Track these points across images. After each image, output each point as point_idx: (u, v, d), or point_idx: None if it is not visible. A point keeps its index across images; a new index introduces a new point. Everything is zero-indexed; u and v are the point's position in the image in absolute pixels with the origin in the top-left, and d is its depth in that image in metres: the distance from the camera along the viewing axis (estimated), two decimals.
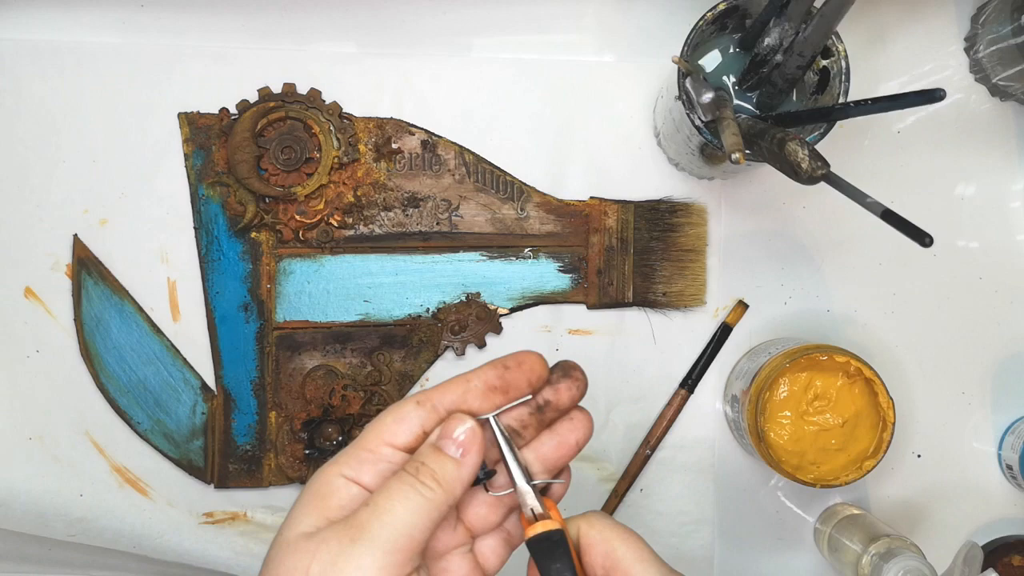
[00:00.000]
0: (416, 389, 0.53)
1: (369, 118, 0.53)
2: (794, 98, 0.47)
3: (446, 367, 0.53)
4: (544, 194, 0.53)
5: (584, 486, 0.53)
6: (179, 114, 0.52)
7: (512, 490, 0.32)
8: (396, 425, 0.31)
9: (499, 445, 0.32)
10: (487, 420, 0.32)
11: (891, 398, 0.47)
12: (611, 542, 0.32)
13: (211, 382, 0.52)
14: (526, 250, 0.53)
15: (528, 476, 0.32)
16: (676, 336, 0.54)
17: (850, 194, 0.38)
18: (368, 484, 0.30)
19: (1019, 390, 0.54)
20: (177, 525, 0.52)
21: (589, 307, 0.53)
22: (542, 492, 0.33)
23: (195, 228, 0.52)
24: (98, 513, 0.52)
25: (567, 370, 0.33)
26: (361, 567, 0.28)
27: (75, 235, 0.52)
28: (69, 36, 0.52)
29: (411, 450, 0.31)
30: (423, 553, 0.30)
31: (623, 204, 0.53)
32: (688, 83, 0.44)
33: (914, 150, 0.54)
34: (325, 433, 0.52)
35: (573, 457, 0.34)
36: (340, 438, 0.52)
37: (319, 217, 0.52)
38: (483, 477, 0.32)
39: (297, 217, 0.52)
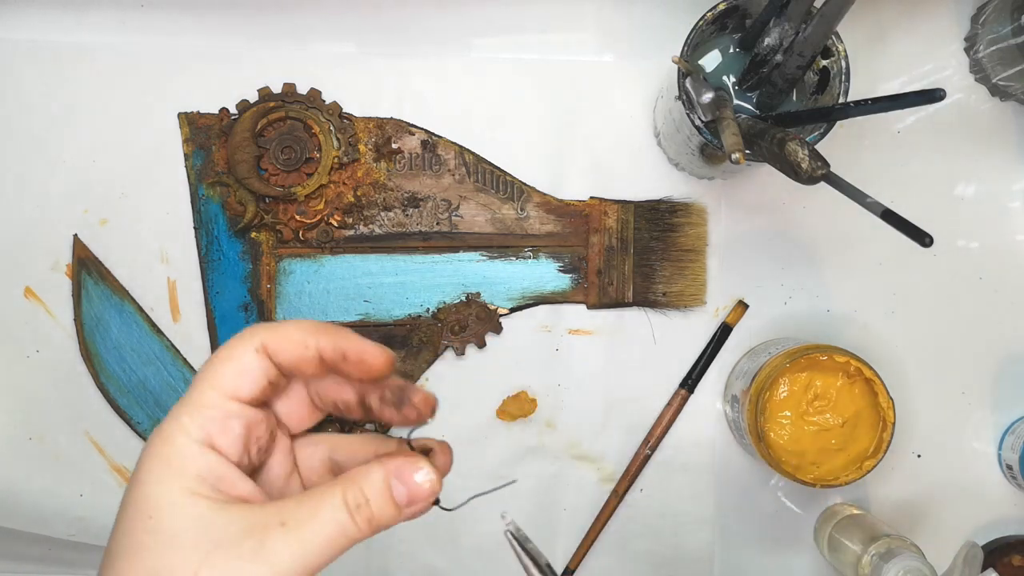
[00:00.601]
0: None
1: (369, 118, 0.53)
2: (794, 98, 0.47)
3: (446, 367, 0.53)
4: (544, 194, 0.53)
5: (584, 486, 0.53)
6: (179, 114, 0.52)
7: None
8: (239, 378, 0.28)
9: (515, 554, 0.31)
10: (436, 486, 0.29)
11: (891, 398, 0.47)
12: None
13: None
14: (526, 250, 0.53)
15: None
16: (676, 336, 0.54)
17: (850, 194, 0.38)
18: (224, 448, 0.27)
19: (1019, 390, 0.54)
20: None
21: (589, 307, 0.53)
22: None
23: (195, 228, 0.52)
24: (98, 513, 0.52)
25: (403, 397, 0.29)
26: None
27: (75, 235, 0.52)
28: (69, 36, 0.52)
29: (256, 403, 0.28)
30: None
31: (623, 204, 0.53)
32: (688, 83, 0.44)
33: (914, 150, 0.54)
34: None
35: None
36: None
37: (319, 217, 0.52)
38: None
39: (297, 217, 0.52)
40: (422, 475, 0.27)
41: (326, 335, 0.28)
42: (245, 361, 0.28)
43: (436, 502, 0.29)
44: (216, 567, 0.25)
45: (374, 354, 0.28)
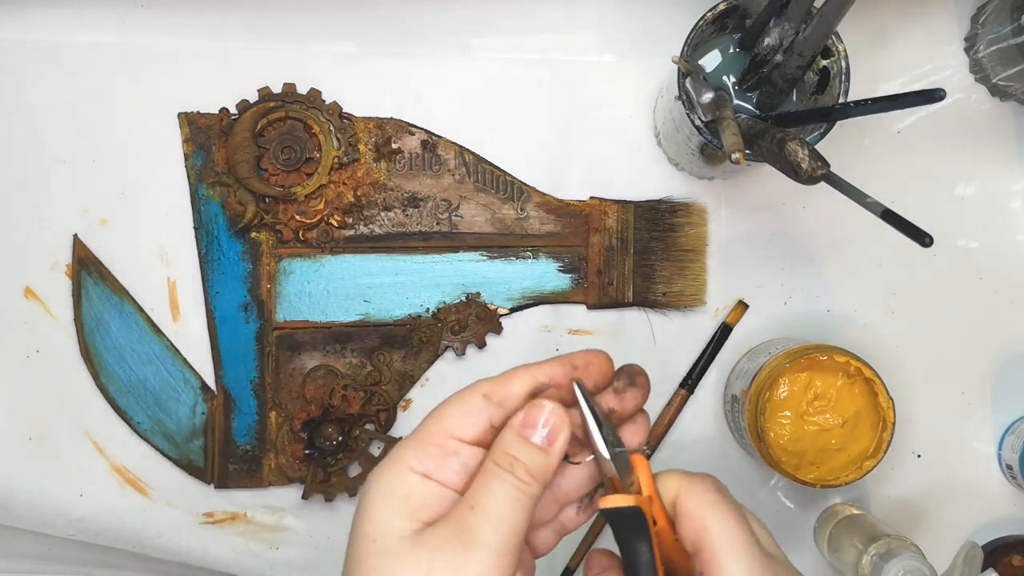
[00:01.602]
0: (416, 389, 0.53)
1: (369, 118, 0.53)
2: (794, 98, 0.47)
3: (446, 367, 0.53)
4: (544, 194, 0.53)
5: None
6: (179, 114, 0.52)
7: (592, 458, 0.31)
8: (463, 419, 0.30)
9: (581, 415, 0.31)
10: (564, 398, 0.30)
11: (891, 398, 0.47)
12: (704, 520, 0.29)
13: (211, 382, 0.52)
14: (526, 250, 0.53)
15: (611, 443, 0.31)
16: (676, 336, 0.54)
17: (850, 194, 0.38)
18: (444, 480, 0.29)
19: (1019, 390, 0.54)
20: (177, 525, 0.52)
21: (589, 307, 0.53)
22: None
23: (195, 228, 0.52)
24: (98, 513, 0.52)
25: (632, 377, 0.32)
26: (480, 574, 0.27)
27: (75, 235, 0.52)
28: (69, 36, 0.52)
29: (478, 444, 0.30)
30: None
31: (623, 204, 0.53)
32: (688, 83, 0.44)
33: (914, 150, 0.54)
34: (325, 433, 0.52)
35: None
36: (340, 438, 0.52)
37: (319, 217, 0.52)
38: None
39: (297, 217, 0.52)
40: (545, 415, 0.29)
41: (547, 365, 0.31)
42: (470, 403, 0.30)
43: (566, 457, 0.30)
44: (441, 570, 0.27)
45: (595, 354, 0.32)
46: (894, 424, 0.47)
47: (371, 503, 0.29)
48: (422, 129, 0.53)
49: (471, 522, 0.28)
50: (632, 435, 0.33)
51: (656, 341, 0.54)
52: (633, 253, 0.53)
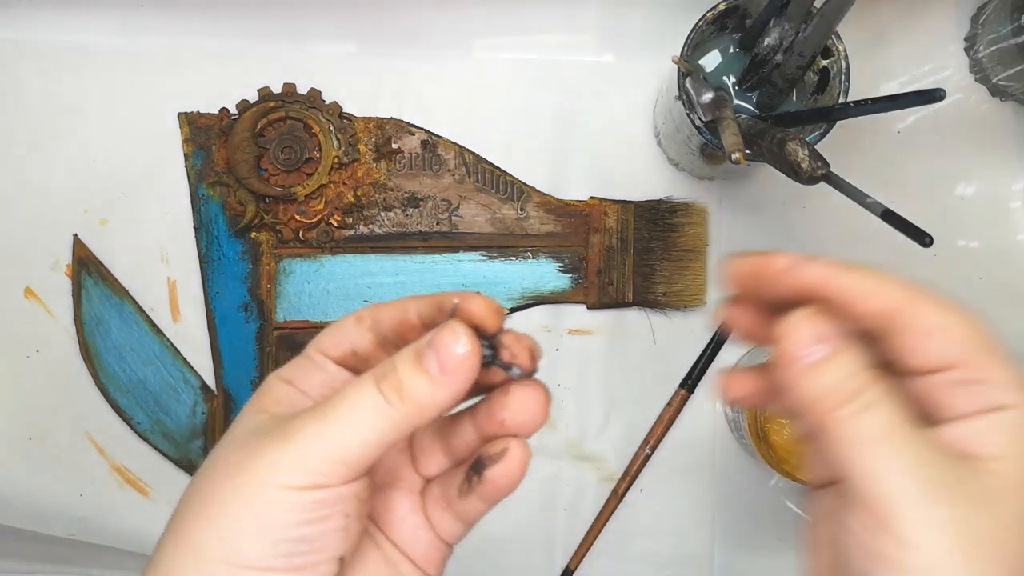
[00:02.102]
0: None
1: (369, 118, 0.53)
2: (794, 98, 0.47)
3: None
4: (544, 194, 0.53)
5: (584, 486, 0.53)
6: (179, 114, 0.52)
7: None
8: (331, 337, 0.28)
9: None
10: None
11: None
12: (960, 325, 0.25)
13: (211, 382, 0.52)
14: (526, 250, 0.53)
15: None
16: (676, 336, 0.54)
17: (850, 194, 0.38)
18: (304, 388, 0.27)
19: None
20: None
21: (589, 307, 0.53)
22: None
23: (195, 228, 0.52)
24: (98, 513, 0.52)
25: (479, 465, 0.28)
26: (287, 468, 0.24)
27: (75, 235, 0.52)
28: (69, 36, 0.52)
29: (343, 364, 0.28)
30: (367, 472, 0.25)
31: (623, 204, 0.53)
32: (688, 83, 0.44)
33: (914, 150, 0.54)
34: None
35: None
36: None
37: (319, 217, 0.52)
38: (490, 359, 0.26)
39: (297, 217, 0.52)
40: (454, 346, 0.24)
41: (425, 298, 0.27)
42: (343, 324, 0.28)
43: (506, 368, 0.26)
44: (245, 450, 0.25)
45: (480, 304, 0.26)
46: None
47: (239, 415, 0.27)
48: (422, 129, 0.53)
49: (303, 416, 0.25)
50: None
51: (656, 341, 0.54)
52: (633, 253, 0.53)
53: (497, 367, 0.26)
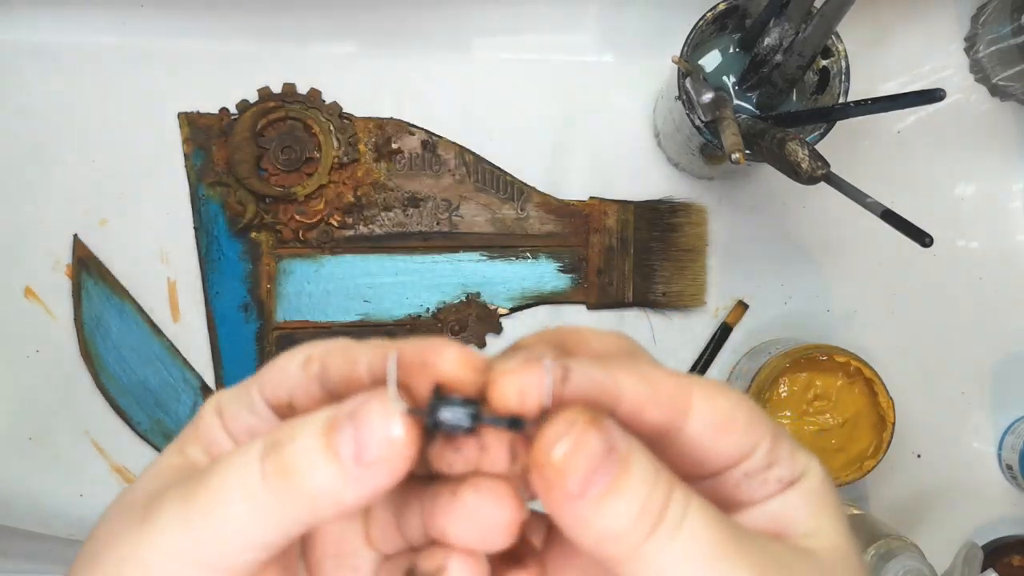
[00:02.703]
0: None
1: (369, 118, 0.53)
2: (794, 98, 0.47)
3: None
4: (544, 194, 0.53)
5: None
6: (179, 114, 0.52)
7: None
8: (269, 375, 0.21)
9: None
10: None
11: (891, 398, 0.47)
12: (743, 408, 0.20)
13: (211, 382, 0.52)
14: (526, 250, 0.53)
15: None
16: (676, 336, 0.54)
17: (850, 194, 0.38)
18: (232, 428, 0.21)
19: (1019, 390, 0.54)
20: None
21: (589, 307, 0.53)
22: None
23: (195, 228, 0.52)
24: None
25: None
26: (132, 559, 0.18)
27: (75, 235, 0.52)
28: (69, 36, 0.52)
29: (280, 415, 0.21)
30: (274, 572, 0.20)
31: (623, 204, 0.53)
32: (688, 83, 0.44)
33: (914, 150, 0.54)
34: None
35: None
36: None
37: (319, 217, 0.52)
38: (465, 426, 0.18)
39: (297, 217, 0.52)
40: (393, 426, 0.17)
41: (373, 347, 0.20)
42: (289, 362, 0.21)
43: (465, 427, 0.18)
44: (110, 527, 0.20)
45: (438, 348, 0.18)
46: (894, 424, 0.47)
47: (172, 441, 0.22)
48: (422, 129, 0.53)
49: (170, 496, 0.18)
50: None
51: (656, 341, 0.54)
52: (633, 253, 0.53)
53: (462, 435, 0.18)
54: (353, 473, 0.17)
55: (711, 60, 0.47)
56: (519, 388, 0.18)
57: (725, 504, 0.20)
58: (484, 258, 0.53)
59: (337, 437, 0.17)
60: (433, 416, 0.18)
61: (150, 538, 0.18)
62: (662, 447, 0.19)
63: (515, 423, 0.18)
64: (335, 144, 0.52)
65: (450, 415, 0.18)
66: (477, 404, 0.18)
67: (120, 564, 0.18)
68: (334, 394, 0.20)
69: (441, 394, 0.18)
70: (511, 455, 0.18)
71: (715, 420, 0.19)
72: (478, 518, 0.18)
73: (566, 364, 0.18)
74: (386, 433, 0.17)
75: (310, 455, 0.17)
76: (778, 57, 0.44)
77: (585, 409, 0.18)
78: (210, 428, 0.21)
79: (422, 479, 0.20)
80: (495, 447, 0.18)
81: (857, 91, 0.44)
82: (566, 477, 0.17)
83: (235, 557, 0.18)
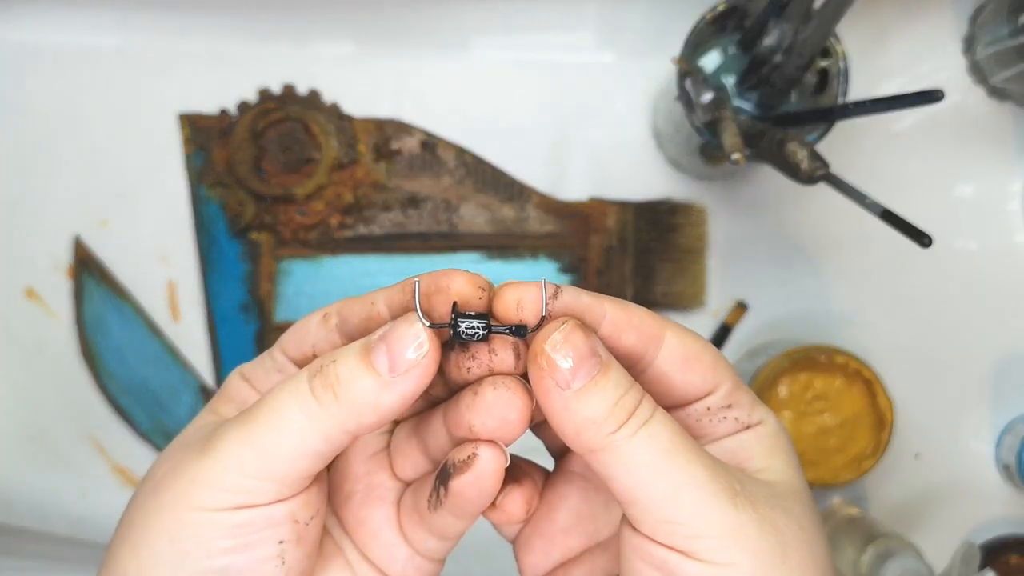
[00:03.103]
0: None
1: (369, 118, 0.53)
2: (794, 98, 0.47)
3: None
4: (544, 194, 0.53)
5: None
6: (179, 115, 0.52)
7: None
8: (294, 335, 0.25)
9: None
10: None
11: (890, 398, 0.47)
12: (711, 352, 0.24)
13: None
14: (526, 250, 0.53)
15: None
16: None
17: (850, 194, 0.38)
18: (261, 389, 0.25)
19: (1017, 390, 0.54)
20: None
21: None
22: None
23: (195, 228, 0.52)
24: (98, 513, 0.52)
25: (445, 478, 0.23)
26: (207, 486, 0.21)
27: (76, 236, 0.52)
28: (69, 36, 0.52)
29: (303, 365, 0.24)
30: (316, 488, 0.22)
31: (623, 205, 0.53)
32: (688, 83, 0.44)
33: (913, 150, 0.54)
34: None
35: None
36: None
37: (319, 218, 0.52)
38: (457, 331, 0.22)
39: (297, 217, 0.52)
40: (408, 341, 0.21)
41: (394, 286, 0.23)
42: (308, 322, 0.25)
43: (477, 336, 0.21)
44: (171, 464, 0.22)
45: (450, 274, 0.22)
46: (893, 424, 0.47)
47: (199, 414, 0.25)
48: (422, 129, 0.53)
49: (221, 431, 0.22)
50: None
51: None
52: (633, 253, 0.53)
53: (476, 343, 0.22)
54: (389, 381, 0.21)
55: (711, 60, 0.47)
56: (518, 298, 0.22)
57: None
58: (484, 258, 0.53)
59: (373, 355, 0.21)
60: (455, 327, 0.21)
61: (215, 460, 0.21)
62: (635, 374, 0.23)
63: (519, 331, 0.22)
64: (335, 145, 0.52)
65: (468, 326, 0.21)
66: (488, 316, 0.22)
67: (189, 487, 0.21)
68: (355, 338, 0.23)
69: (458, 311, 0.22)
70: (516, 358, 0.22)
71: (684, 354, 0.23)
72: (498, 408, 0.22)
73: (558, 285, 0.22)
74: (415, 344, 0.21)
75: (352, 370, 0.21)
76: (778, 57, 0.44)
77: (575, 318, 0.22)
78: (239, 390, 0.25)
79: (438, 404, 0.24)
80: (502, 351, 0.22)
81: (857, 91, 0.44)
82: (556, 365, 0.21)
83: (293, 465, 0.21)
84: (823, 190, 0.39)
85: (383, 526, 0.25)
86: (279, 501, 0.21)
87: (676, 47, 0.44)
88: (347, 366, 0.21)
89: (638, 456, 0.21)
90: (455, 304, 0.22)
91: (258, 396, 0.24)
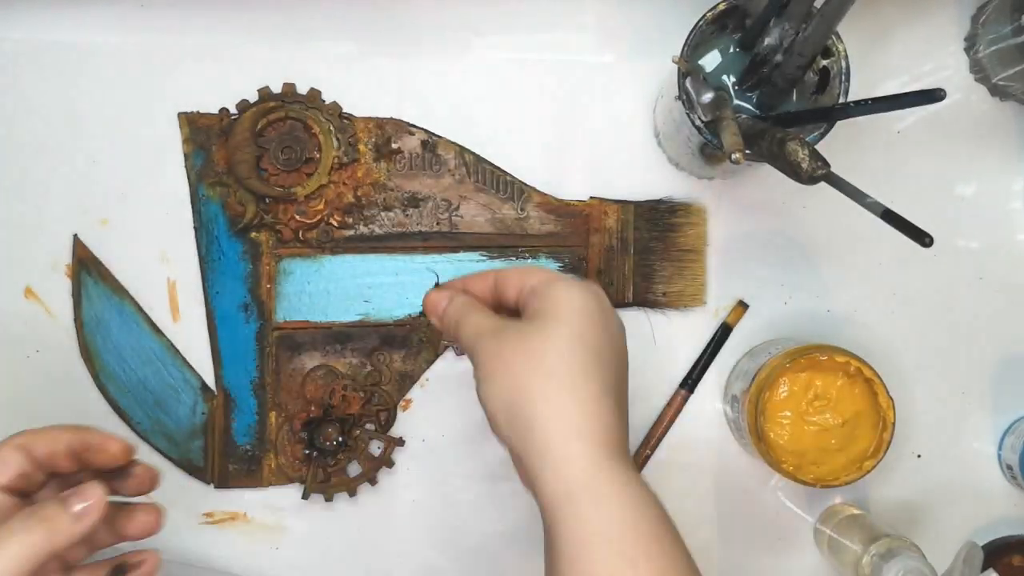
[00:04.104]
0: (416, 389, 0.53)
1: (369, 118, 0.53)
2: (794, 98, 0.47)
3: (446, 367, 0.53)
4: (544, 194, 0.53)
5: None
6: (179, 114, 0.52)
7: None
8: None
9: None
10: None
11: (891, 398, 0.47)
12: (525, 276, 0.39)
13: (211, 382, 0.52)
14: (526, 250, 0.53)
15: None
16: (676, 336, 0.54)
17: (850, 194, 0.38)
18: None
19: (1019, 390, 0.54)
20: (177, 525, 0.52)
21: None
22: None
23: (195, 228, 0.52)
24: None
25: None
26: None
27: (75, 235, 0.52)
28: (69, 36, 0.52)
29: (12, 491, 0.36)
30: None
31: (623, 204, 0.53)
32: (688, 83, 0.44)
33: (914, 150, 0.54)
34: (325, 433, 0.52)
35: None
36: (340, 438, 0.52)
37: (319, 217, 0.52)
38: None
39: (297, 217, 0.52)
40: (93, 496, 0.35)
41: (73, 432, 0.37)
42: (5, 454, 0.36)
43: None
44: None
45: (114, 442, 0.38)
46: (894, 424, 0.47)
47: None
48: (422, 129, 0.53)
49: None
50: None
51: (656, 341, 0.54)
52: (633, 253, 0.53)
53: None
54: (79, 517, 0.35)
55: (711, 60, 0.47)
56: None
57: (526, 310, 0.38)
58: (484, 258, 0.53)
59: (69, 502, 0.35)
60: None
61: None
62: (500, 292, 0.41)
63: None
64: (335, 144, 0.52)
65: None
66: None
67: None
68: (40, 464, 0.37)
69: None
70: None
71: (503, 282, 0.40)
72: (147, 520, 0.41)
73: (451, 294, 0.41)
74: (97, 496, 0.36)
75: (56, 511, 0.35)
76: (778, 57, 0.44)
77: (443, 287, 0.42)
78: None
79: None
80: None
81: (857, 91, 0.44)
82: (430, 303, 0.42)
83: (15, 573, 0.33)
84: (823, 190, 0.39)
85: None
86: None
87: (676, 47, 0.44)
88: (54, 509, 0.34)
89: (465, 329, 0.38)
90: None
91: None
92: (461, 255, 0.53)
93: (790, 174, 0.39)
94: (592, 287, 0.38)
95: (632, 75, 0.53)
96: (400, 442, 0.53)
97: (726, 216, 0.54)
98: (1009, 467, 0.53)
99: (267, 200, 0.52)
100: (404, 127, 0.53)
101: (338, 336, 0.53)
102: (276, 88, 0.52)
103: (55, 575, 0.38)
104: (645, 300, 0.53)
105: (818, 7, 0.40)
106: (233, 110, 0.52)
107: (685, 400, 0.53)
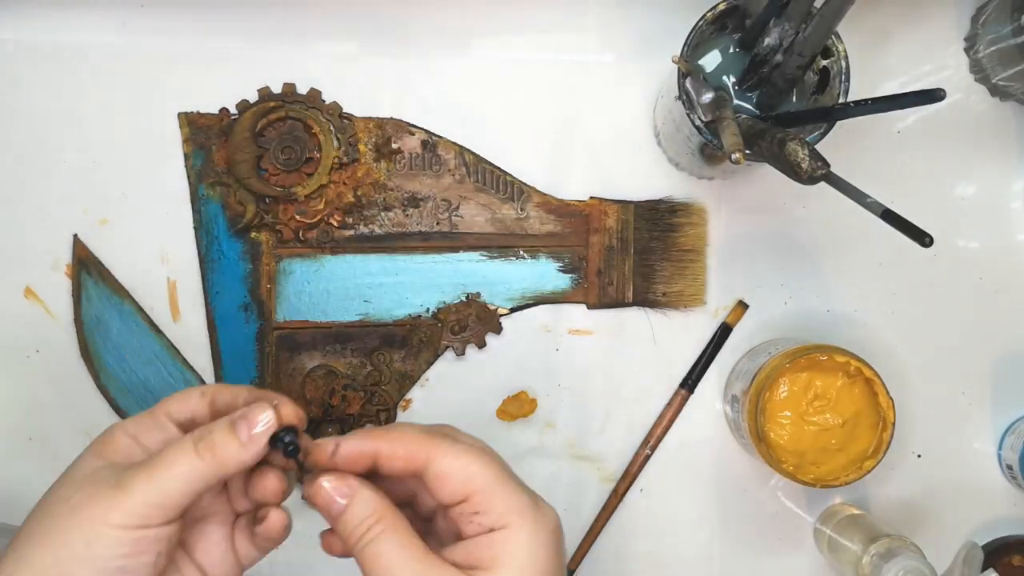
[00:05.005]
0: (416, 389, 0.53)
1: (369, 118, 0.53)
2: (794, 98, 0.47)
3: (446, 367, 0.53)
4: (544, 194, 0.53)
5: (584, 486, 0.53)
6: (179, 114, 0.52)
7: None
8: (177, 404, 0.35)
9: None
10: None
11: (891, 398, 0.47)
12: (469, 468, 0.33)
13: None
14: (526, 250, 0.53)
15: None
16: (676, 336, 0.54)
17: (850, 194, 0.38)
18: (146, 443, 0.34)
19: (1019, 390, 0.54)
20: None
21: (589, 307, 0.53)
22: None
23: (195, 228, 0.52)
24: None
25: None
26: (120, 512, 0.30)
27: (75, 235, 0.52)
28: (69, 36, 0.52)
29: (184, 428, 0.35)
30: (182, 515, 0.32)
31: (623, 204, 0.53)
32: (688, 83, 0.44)
33: (914, 150, 0.54)
34: (325, 433, 0.52)
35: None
36: None
37: (319, 217, 0.52)
38: (289, 449, 0.34)
39: (297, 217, 0.52)
40: (262, 419, 0.33)
41: (255, 394, 0.35)
42: (189, 394, 0.35)
43: (290, 451, 0.33)
44: (85, 494, 0.31)
45: (287, 406, 0.34)
46: (894, 424, 0.47)
47: (80, 456, 0.34)
48: (422, 129, 0.53)
49: (129, 475, 0.31)
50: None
51: (656, 341, 0.54)
52: (633, 253, 0.53)
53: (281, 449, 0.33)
54: (245, 443, 0.32)
55: (711, 60, 0.47)
56: (328, 448, 0.34)
57: (454, 532, 0.34)
58: (484, 258, 0.53)
59: (237, 427, 0.32)
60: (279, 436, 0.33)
61: (127, 494, 0.31)
62: (417, 480, 0.34)
63: (301, 466, 0.34)
64: (335, 144, 0.52)
65: (285, 436, 0.33)
66: (295, 431, 0.34)
67: (106, 511, 0.30)
68: (219, 414, 0.35)
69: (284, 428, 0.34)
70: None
71: (437, 474, 0.33)
72: (275, 486, 0.35)
73: (338, 440, 0.34)
74: (264, 421, 0.33)
75: (223, 436, 0.32)
76: (778, 57, 0.44)
77: (337, 475, 0.34)
78: (126, 444, 0.34)
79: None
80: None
81: (857, 91, 0.44)
82: (321, 499, 0.34)
83: (180, 500, 0.31)
84: (823, 190, 0.39)
85: (220, 540, 0.35)
86: (165, 524, 0.31)
87: (676, 47, 0.44)
88: (220, 433, 0.32)
89: (371, 559, 0.32)
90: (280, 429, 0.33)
91: (140, 448, 0.34)
92: (461, 255, 0.53)
93: (790, 174, 0.39)
94: (551, 524, 0.34)
95: (632, 75, 0.53)
96: None
97: (726, 216, 0.54)
98: (1009, 467, 0.53)
99: (267, 200, 0.52)
100: (404, 127, 0.53)
101: (338, 336, 0.53)
102: (276, 88, 0.52)
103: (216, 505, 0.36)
104: (645, 300, 0.53)
105: (818, 7, 0.40)
106: (233, 110, 0.52)
107: (685, 400, 0.53)
